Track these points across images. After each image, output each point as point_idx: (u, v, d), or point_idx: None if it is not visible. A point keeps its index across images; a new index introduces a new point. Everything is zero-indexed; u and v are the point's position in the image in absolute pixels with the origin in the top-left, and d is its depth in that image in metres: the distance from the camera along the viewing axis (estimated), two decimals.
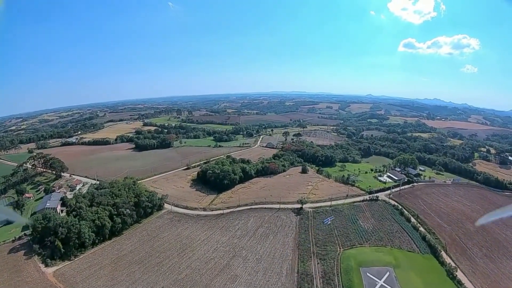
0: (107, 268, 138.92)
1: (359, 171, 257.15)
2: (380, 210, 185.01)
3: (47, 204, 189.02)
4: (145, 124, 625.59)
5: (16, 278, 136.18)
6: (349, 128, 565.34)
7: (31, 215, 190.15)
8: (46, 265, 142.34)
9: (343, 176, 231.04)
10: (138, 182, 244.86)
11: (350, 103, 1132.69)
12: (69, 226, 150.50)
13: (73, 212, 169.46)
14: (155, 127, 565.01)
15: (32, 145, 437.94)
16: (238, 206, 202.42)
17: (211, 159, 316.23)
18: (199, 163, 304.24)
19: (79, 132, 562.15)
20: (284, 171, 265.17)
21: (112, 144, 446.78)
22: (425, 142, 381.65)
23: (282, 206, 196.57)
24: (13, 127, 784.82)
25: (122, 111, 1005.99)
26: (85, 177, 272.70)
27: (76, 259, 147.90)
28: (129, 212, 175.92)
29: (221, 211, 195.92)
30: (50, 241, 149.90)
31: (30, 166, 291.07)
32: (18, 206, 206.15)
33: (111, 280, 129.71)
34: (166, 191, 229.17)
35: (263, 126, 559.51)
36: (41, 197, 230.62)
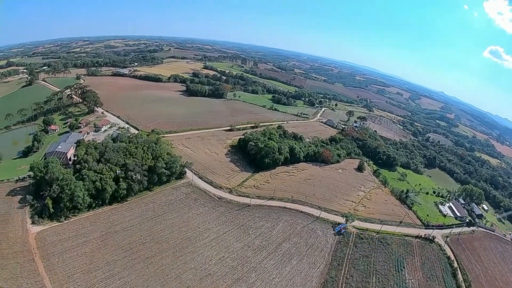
0: (91, 245, 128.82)
1: (420, 188, 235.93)
2: (433, 259, 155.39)
3: (59, 147, 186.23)
4: (205, 67, 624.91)
5: (2, 231, 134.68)
6: (416, 124, 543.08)
7: (44, 155, 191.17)
8: (33, 223, 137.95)
9: (402, 190, 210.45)
10: (169, 136, 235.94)
11: (421, 95, 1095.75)
12: (63, 185, 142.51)
13: (77, 165, 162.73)
14: (214, 72, 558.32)
15: (82, 71, 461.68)
16: (271, 198, 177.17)
17: (261, 124, 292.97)
18: (245, 126, 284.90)
19: (135, 64, 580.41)
20: (337, 161, 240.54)
21: (164, 82, 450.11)
22: (493, 172, 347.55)
23: (322, 214, 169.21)
24: (78, 49, 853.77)
25: (188, 49, 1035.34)
26: (117, 117, 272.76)
27: (65, 221, 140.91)
28: (139, 178, 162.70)
29: (248, 201, 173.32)
30: (44, 196, 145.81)
31: (66, 95, 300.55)
32: (36, 139, 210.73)
33: (88, 264, 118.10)
34: (195, 155, 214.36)
35: (328, 97, 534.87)
36: (66, 132, 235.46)
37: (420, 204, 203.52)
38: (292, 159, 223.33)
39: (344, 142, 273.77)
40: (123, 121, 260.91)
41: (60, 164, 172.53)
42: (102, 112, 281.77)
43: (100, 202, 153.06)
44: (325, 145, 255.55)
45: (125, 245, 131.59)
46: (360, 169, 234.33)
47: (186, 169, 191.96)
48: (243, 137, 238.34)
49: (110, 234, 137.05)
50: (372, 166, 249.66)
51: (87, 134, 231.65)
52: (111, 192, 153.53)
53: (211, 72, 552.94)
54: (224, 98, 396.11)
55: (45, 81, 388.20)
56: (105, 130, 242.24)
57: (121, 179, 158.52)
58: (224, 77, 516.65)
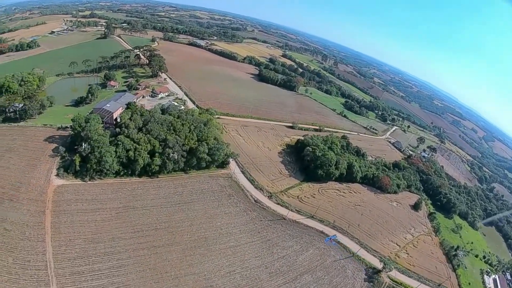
0: (104, 214, 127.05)
1: (471, 248, 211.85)
2: None
3: (107, 105, 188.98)
4: (283, 55, 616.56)
5: (26, 174, 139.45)
6: (484, 169, 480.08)
7: (92, 109, 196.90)
8: (57, 175, 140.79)
9: (452, 246, 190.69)
10: (225, 118, 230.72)
11: (496, 138, 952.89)
12: (95, 146, 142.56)
13: (117, 129, 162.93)
14: (291, 63, 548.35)
15: (159, 34, 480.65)
16: (312, 217, 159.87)
17: (326, 128, 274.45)
18: (309, 126, 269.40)
19: (214, 38, 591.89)
20: (395, 192, 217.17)
21: (238, 61, 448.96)
22: None
23: (360, 251, 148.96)
24: (162, 13, 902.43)
25: (271, 34, 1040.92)
26: (179, 87, 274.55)
27: (89, 182, 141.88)
28: (176, 157, 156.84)
29: (285, 212, 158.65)
30: (76, 151, 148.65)
31: (135, 55, 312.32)
32: (90, 91, 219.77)
33: (93, 233, 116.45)
34: (245, 146, 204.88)
35: (401, 116, 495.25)
36: (123, 91, 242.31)
37: (466, 267, 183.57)
38: (348, 177, 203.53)
39: (407, 172, 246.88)
40: (183, 92, 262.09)
41: (103, 123, 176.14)
42: (165, 79, 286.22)
43: (130, 172, 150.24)
44: (386, 169, 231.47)
45: (137, 225, 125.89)
46: (416, 207, 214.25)
47: (231, 159, 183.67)
48: (302, 138, 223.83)
49: (128, 208, 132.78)
50: (429, 207, 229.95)
51: (142, 97, 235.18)
52: (142, 165, 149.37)
53: (288, 62, 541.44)
54: (295, 91, 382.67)
55: (120, 37, 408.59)
56: (161, 98, 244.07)
57: (157, 154, 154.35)
58: (301, 70, 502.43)
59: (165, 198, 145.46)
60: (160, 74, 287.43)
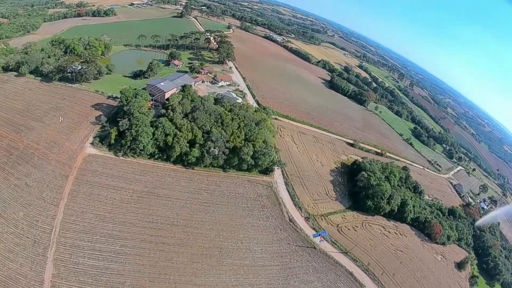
0: (125, 194, 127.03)
1: None
2: None
3: (161, 84, 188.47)
4: (359, 66, 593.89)
5: (63, 136, 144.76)
6: None
7: (146, 84, 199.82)
8: (92, 144, 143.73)
9: None
10: (282, 120, 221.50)
11: None
12: (133, 123, 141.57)
13: (163, 110, 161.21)
14: (366, 75, 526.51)
15: (236, 23, 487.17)
16: (345, 252, 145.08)
17: (388, 154, 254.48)
18: (370, 148, 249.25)
19: (292, 36, 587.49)
20: (442, 243, 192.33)
21: (311, 63, 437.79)
22: None
23: None
24: (246, 3, 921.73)
25: (351, 42, 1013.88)
26: (243, 78, 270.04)
27: (121, 157, 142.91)
28: (216, 153, 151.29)
29: (318, 241, 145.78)
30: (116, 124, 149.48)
31: (205, 38, 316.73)
32: (150, 66, 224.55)
33: (106, 212, 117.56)
34: (297, 155, 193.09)
35: (468, 156, 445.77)
36: (184, 71, 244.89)
37: None
38: (398, 215, 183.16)
39: (462, 222, 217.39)
40: (246, 84, 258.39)
41: (152, 101, 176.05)
42: (231, 68, 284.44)
43: (165, 157, 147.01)
44: (440, 215, 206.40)
45: (154, 215, 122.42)
46: (460, 266, 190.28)
47: (276, 167, 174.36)
48: (360, 160, 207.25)
49: (151, 195, 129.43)
50: (474, 268, 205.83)
51: (202, 82, 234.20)
52: (179, 153, 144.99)
53: (363, 74, 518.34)
54: (364, 106, 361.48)
55: (196, 19, 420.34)
56: (221, 86, 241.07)
57: (197, 145, 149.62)
58: (374, 85, 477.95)
59: (193, 193, 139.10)
60: (227, 62, 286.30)
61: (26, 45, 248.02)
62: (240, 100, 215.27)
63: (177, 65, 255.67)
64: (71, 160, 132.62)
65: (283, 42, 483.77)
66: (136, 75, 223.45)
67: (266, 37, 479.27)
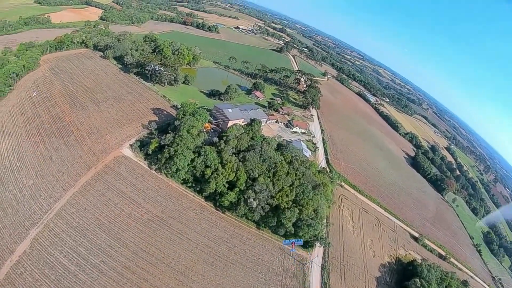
0: (135, 211, 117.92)
1: None
2: None
3: (229, 110, 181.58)
4: (447, 148, 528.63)
5: (108, 127, 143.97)
6: None
7: (214, 106, 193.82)
8: (131, 146, 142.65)
9: None
10: (348, 191, 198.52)
11: None
12: (175, 141, 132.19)
13: (215, 138, 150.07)
14: (452, 159, 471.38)
15: (333, 72, 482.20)
16: None
17: (452, 260, 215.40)
18: (435, 248, 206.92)
19: (386, 100, 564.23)
20: None
21: (399, 133, 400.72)
22: None
23: None
24: (348, 56, 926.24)
25: (444, 121, 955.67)
26: (321, 130, 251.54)
27: (152, 170, 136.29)
28: (254, 205, 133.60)
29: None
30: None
31: (294, 78, 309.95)
32: (227, 90, 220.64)
33: (106, 220, 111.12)
34: (348, 236, 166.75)
35: None
36: (262, 106, 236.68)
37: None
38: None
39: None
40: (322, 138, 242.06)
41: (212, 124, 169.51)
42: (312, 115, 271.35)
43: (198, 189, 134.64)
44: None
45: (155, 245, 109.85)
46: None
47: (318, 244, 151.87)
48: (418, 262, 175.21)
49: (163, 223, 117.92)
50: None
51: (275, 122, 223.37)
52: (213, 190, 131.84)
53: (449, 158, 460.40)
54: (441, 195, 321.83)
55: (293, 58, 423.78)
56: (294, 132, 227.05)
57: (236, 189, 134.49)
58: (458, 173, 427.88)
59: (211, 240, 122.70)
60: (310, 108, 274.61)
61: (122, 33, 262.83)
62: (308, 154, 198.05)
63: (258, 97, 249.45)
64: (103, 154, 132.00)
65: (375, 104, 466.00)
66: (212, 94, 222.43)
67: (359, 94, 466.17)
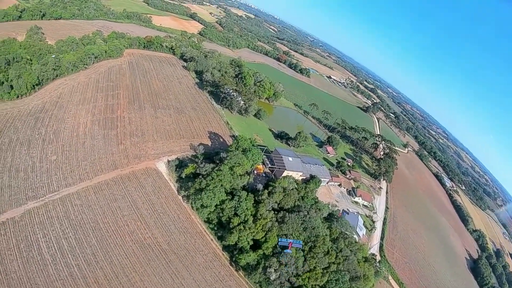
0: (139, 230, 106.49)
1: None
2: None
3: (288, 159, 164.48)
4: None
5: (156, 137, 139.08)
6: None
7: (275, 149, 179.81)
8: (168, 162, 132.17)
9: None
10: (388, 285, 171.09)
11: None
12: (209, 173, 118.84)
13: (259, 185, 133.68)
14: None
15: (414, 145, 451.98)
16: None
17: None
18: None
19: (463, 187, 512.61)
20: None
21: (467, 228, 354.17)
22: None
23: None
24: (433, 133, 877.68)
25: None
26: (386, 207, 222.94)
27: (179, 196, 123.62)
28: (272, 278, 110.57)
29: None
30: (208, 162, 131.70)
31: (372, 143, 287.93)
32: (297, 137, 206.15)
33: (104, 226, 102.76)
34: None
35: None
36: (330, 164, 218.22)
37: None
38: None
39: None
40: (384, 217, 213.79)
41: (265, 166, 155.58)
42: (380, 188, 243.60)
43: (219, 234, 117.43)
44: None
45: (138, 274, 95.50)
46: None
47: None
48: None
49: (164, 255, 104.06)
50: None
51: (338, 185, 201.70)
52: (233, 243, 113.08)
53: None
54: None
55: (377, 121, 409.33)
56: (355, 202, 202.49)
57: (260, 251, 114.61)
58: None
59: None
60: (381, 179, 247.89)
61: (211, 51, 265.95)
62: (362, 232, 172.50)
63: (329, 153, 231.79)
64: (135, 159, 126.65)
65: (450, 189, 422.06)
66: (280, 136, 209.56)
67: (436, 175, 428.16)
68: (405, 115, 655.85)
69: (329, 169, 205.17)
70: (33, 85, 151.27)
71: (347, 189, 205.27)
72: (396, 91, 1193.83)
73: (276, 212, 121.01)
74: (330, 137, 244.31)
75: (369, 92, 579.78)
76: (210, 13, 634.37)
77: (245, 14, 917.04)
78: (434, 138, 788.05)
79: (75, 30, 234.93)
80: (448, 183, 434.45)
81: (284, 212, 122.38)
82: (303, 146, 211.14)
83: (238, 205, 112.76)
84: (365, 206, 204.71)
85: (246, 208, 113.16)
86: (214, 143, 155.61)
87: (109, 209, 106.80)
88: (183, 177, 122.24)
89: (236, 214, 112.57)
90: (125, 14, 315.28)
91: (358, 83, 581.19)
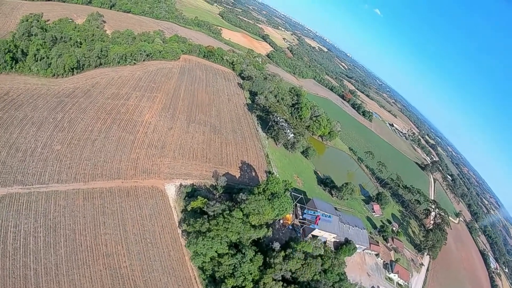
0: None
1: None
2: None
3: (325, 215, 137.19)
4: None
5: (174, 153, 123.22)
6: None
7: (311, 199, 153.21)
8: (178, 188, 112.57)
9: None
10: None
11: None
12: (218, 217, 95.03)
13: (277, 244, 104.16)
14: None
15: (467, 215, 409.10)
16: None
17: None
18: None
19: (506, 270, 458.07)
20: None
21: None
22: None
23: None
24: (486, 202, 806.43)
25: None
26: None
27: (178, 229, 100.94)
28: None
29: None
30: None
31: (425, 209, 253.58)
32: (343, 188, 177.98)
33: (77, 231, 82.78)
34: None
35: None
36: (373, 226, 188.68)
37: None
38: None
39: None
40: None
41: (297, 219, 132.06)
42: (422, 265, 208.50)
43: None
44: None
45: None
46: None
47: None
48: None
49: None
50: None
51: (374, 254, 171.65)
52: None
53: None
54: None
55: (434, 182, 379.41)
56: (389, 279, 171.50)
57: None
58: None
59: None
60: (425, 254, 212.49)
61: (273, 74, 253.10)
62: None
63: (374, 212, 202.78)
64: (143, 173, 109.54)
65: (493, 272, 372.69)
66: (324, 182, 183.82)
67: (482, 254, 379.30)
68: (461, 178, 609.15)
69: (370, 233, 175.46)
70: (72, 68, 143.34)
71: (384, 262, 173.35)
72: (455, 151, 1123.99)
73: (285, 285, 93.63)
74: (380, 194, 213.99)
75: (429, 148, 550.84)
76: (283, 38, 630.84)
77: (318, 46, 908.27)
78: (486, 208, 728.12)
79: (139, 26, 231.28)
80: (493, 264, 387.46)
81: (297, 286, 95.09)
82: (347, 199, 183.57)
83: (239, 266, 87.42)
84: (400, 285, 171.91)
85: (248, 272, 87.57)
86: (243, 176, 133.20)
87: (92, 222, 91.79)
88: (188, 210, 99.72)
89: (232, 274, 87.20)
90: (196, 22, 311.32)
91: (419, 136, 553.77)
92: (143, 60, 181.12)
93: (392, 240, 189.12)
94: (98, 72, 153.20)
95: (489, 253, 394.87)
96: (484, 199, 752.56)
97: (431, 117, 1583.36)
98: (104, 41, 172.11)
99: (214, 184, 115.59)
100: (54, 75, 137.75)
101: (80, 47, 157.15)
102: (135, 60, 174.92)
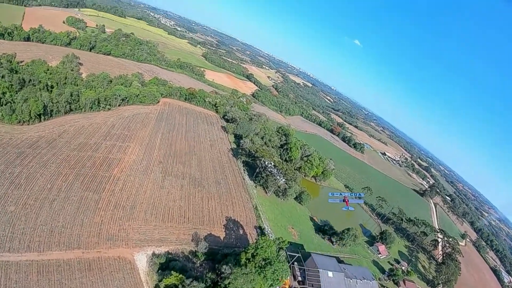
0: None
1: None
2: None
3: (328, 272, 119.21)
4: None
5: (162, 208, 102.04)
6: None
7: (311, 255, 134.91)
8: (152, 255, 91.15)
9: None
10: None
11: None
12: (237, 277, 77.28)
13: None
14: None
15: (472, 234, 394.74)
16: None
17: None
18: None
19: None
20: None
21: None
22: None
23: None
24: (486, 213, 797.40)
25: None
26: None
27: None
28: None
29: None
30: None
31: (432, 240, 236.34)
32: (344, 235, 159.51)
33: None
34: None
35: None
36: (382, 270, 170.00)
37: None
38: None
39: None
40: None
41: (295, 282, 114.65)
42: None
43: None
44: None
45: None
46: None
47: None
48: None
49: None
50: None
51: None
52: None
53: None
54: None
55: (435, 207, 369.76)
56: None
57: None
58: None
59: None
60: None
61: (258, 114, 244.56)
62: None
63: (380, 253, 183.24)
64: (108, 241, 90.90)
65: (507, 286, 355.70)
66: (322, 229, 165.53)
67: (493, 270, 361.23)
68: (458, 196, 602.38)
69: (379, 279, 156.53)
70: (38, 114, 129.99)
71: None
72: (448, 169, 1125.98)
73: None
74: (384, 233, 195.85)
75: (424, 172, 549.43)
76: (268, 76, 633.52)
77: (303, 82, 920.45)
78: (487, 220, 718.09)
79: (117, 68, 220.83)
80: (506, 278, 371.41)
81: None
82: (349, 245, 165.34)
83: None
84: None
85: None
86: (229, 235, 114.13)
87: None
88: (160, 279, 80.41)
89: None
90: (178, 64, 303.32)
91: (412, 161, 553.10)
92: (119, 105, 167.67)
93: (404, 283, 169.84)
94: (68, 119, 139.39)
95: (500, 268, 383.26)
96: (483, 212, 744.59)
97: (419, 139, 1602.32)
98: (77, 85, 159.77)
99: (193, 249, 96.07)
100: (19, 121, 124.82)
101: (51, 91, 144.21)
102: (109, 105, 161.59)
